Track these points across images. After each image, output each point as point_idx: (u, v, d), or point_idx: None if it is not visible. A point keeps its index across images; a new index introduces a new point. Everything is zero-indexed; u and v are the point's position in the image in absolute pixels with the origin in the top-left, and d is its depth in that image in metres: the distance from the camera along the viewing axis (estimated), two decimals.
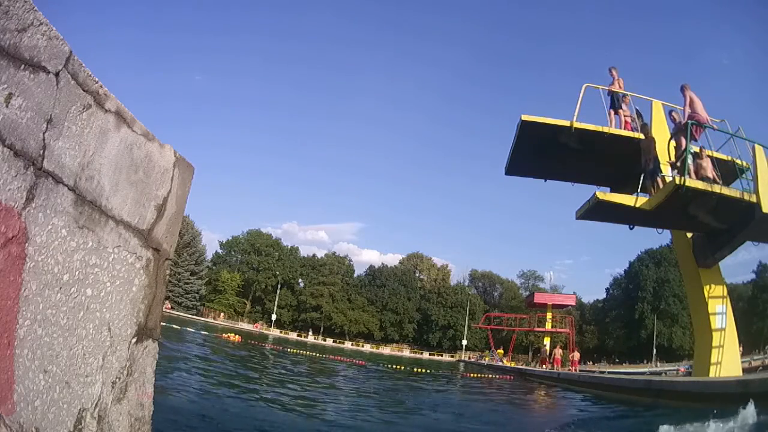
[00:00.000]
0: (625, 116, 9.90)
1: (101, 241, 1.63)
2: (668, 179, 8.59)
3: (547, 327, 38.72)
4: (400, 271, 76.96)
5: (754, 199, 7.92)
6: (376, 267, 77.87)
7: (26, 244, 1.31)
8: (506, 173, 11.90)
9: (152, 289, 1.93)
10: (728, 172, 8.97)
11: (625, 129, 10.06)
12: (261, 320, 68.11)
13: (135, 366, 1.84)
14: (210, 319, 58.42)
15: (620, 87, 10.37)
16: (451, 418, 7.82)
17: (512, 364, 35.21)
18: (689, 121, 8.48)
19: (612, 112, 10.26)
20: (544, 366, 28.34)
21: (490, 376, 22.55)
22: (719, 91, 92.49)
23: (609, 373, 27.36)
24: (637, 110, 10.46)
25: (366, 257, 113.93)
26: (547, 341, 37.58)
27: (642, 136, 9.65)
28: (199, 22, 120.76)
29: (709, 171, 8.52)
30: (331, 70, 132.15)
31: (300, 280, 74.23)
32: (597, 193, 8.84)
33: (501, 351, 41.07)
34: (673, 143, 9.21)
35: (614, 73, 10.49)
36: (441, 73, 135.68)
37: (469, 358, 51.34)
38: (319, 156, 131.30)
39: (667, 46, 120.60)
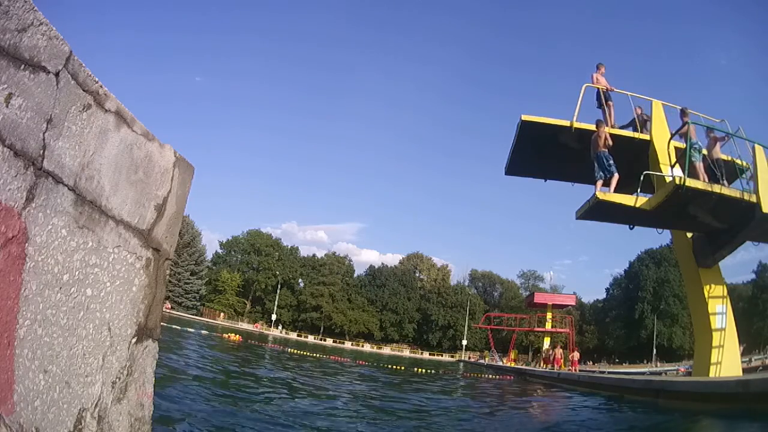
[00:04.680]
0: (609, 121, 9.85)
1: (101, 241, 1.63)
2: (668, 179, 8.59)
3: (547, 327, 38.64)
4: (400, 271, 76.95)
5: (754, 199, 7.92)
6: (376, 267, 77.92)
7: (26, 244, 1.31)
8: (506, 173, 11.92)
9: (152, 289, 1.93)
10: (728, 172, 8.97)
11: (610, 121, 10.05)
12: (261, 320, 68.12)
13: (135, 366, 1.84)
14: (210, 319, 58.42)
15: (596, 82, 10.30)
16: (450, 417, 7.82)
17: (512, 364, 35.20)
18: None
19: (610, 109, 10.24)
20: (547, 366, 28.28)
21: (490, 376, 22.56)
22: (718, 91, 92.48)
23: (609, 373, 27.34)
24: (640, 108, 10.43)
25: (366, 257, 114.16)
26: (547, 341, 37.50)
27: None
28: (199, 22, 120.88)
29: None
30: (331, 71, 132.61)
31: (300, 280, 74.30)
32: (597, 192, 8.82)
33: (514, 353, 40.09)
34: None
35: (601, 70, 10.42)
36: (441, 73, 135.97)
37: (469, 358, 51.31)
38: (319, 156, 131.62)
39: (667, 47, 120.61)
